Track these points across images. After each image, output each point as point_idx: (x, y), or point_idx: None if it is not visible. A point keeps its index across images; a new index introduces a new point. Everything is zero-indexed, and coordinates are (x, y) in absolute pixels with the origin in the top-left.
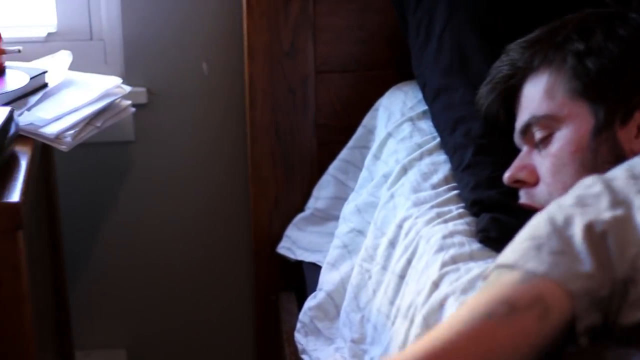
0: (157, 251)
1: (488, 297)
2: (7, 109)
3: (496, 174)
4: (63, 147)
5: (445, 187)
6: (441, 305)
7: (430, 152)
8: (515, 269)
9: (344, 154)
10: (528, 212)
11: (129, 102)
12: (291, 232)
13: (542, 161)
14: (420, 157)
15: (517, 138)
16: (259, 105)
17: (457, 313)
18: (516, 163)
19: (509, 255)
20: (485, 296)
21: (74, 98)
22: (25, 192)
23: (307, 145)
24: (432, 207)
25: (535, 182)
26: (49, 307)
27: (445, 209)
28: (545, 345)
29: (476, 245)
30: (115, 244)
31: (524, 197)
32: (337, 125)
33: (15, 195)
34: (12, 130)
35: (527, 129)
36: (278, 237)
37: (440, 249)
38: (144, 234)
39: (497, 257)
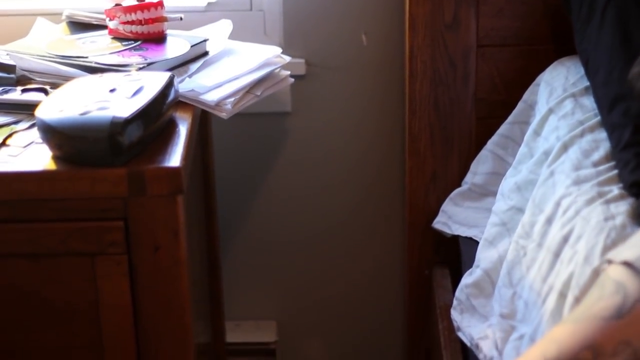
0: (309, 223)
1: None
2: (168, 74)
3: None
4: (223, 115)
5: (606, 166)
6: None
7: (592, 129)
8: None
9: (503, 129)
10: None
11: (288, 72)
12: (447, 207)
13: None
14: (582, 134)
15: None
16: (418, 77)
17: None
18: None
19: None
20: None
21: (234, 66)
22: (185, 157)
23: (466, 120)
24: (593, 185)
25: None
26: (202, 275)
27: (607, 188)
28: None
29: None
30: (268, 215)
31: None
32: (497, 100)
33: (175, 159)
34: (172, 95)
35: None
36: (433, 212)
37: (602, 231)
38: (297, 205)
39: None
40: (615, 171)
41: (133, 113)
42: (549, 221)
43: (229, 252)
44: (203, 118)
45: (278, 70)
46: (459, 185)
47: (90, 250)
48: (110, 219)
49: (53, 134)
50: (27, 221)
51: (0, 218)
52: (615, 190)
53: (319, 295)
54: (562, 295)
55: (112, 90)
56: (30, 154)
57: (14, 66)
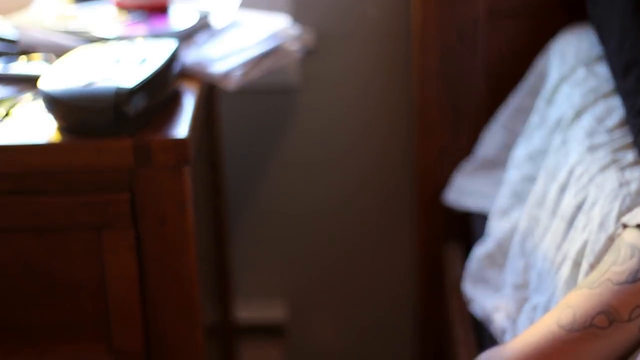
0: (319, 200)
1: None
2: (173, 45)
3: None
4: (230, 87)
5: (620, 132)
6: None
7: (605, 97)
8: None
9: (513, 100)
10: None
11: (297, 44)
12: (458, 180)
13: None
14: (595, 102)
15: None
16: (427, 48)
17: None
18: None
19: None
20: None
21: (241, 38)
22: (192, 128)
23: (475, 91)
24: (607, 152)
25: None
26: (210, 253)
27: (621, 154)
28: None
29: None
30: (277, 192)
31: None
32: (506, 71)
33: (182, 130)
34: (178, 66)
35: None
36: (443, 186)
37: (616, 197)
38: (306, 182)
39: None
40: (630, 137)
41: (138, 83)
42: (563, 189)
43: (237, 230)
44: (210, 94)
45: (286, 42)
46: (469, 158)
47: (95, 223)
48: (116, 191)
49: (57, 105)
50: (31, 194)
51: (4, 191)
52: (630, 156)
53: (329, 272)
54: (577, 263)
55: (116, 61)
56: (34, 126)
57: (17, 39)
